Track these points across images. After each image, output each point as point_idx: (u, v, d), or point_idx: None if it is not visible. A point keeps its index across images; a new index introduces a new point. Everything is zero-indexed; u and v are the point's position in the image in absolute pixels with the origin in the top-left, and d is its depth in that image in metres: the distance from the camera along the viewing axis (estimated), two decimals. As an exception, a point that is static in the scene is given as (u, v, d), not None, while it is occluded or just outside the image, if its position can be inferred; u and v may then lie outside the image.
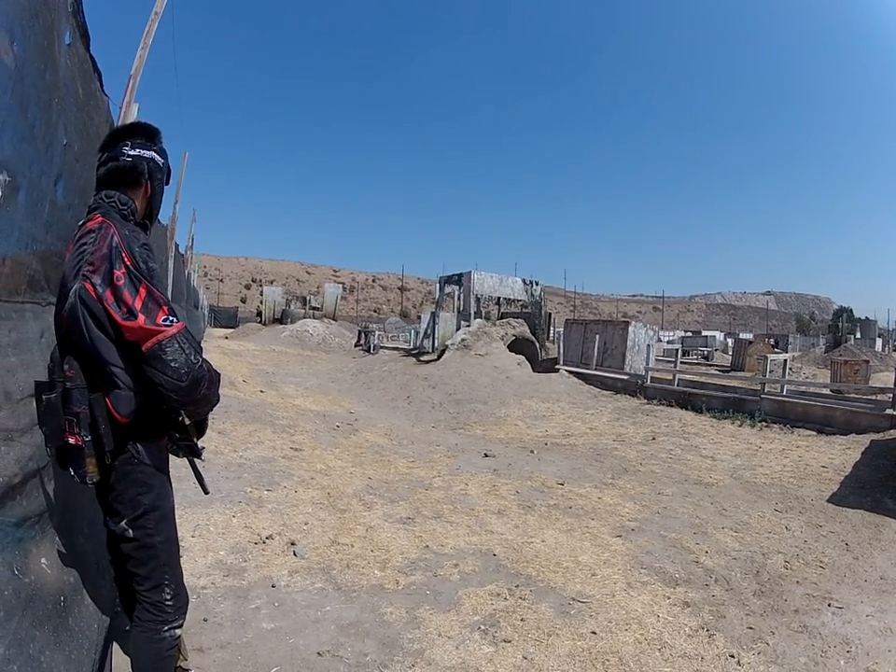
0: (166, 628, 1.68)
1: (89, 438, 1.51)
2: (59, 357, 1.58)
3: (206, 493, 2.02)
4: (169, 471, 1.78)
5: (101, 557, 1.96)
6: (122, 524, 1.63)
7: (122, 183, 1.72)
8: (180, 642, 1.85)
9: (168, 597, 1.68)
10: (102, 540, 1.86)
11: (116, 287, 1.48)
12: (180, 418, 1.70)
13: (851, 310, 50.31)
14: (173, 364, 1.50)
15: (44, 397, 1.51)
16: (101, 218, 1.60)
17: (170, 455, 1.82)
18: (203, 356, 1.65)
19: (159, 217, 2.05)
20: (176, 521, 1.81)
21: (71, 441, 1.52)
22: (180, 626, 1.74)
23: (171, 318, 1.53)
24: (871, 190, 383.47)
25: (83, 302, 1.50)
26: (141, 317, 1.48)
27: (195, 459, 1.87)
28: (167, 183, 1.90)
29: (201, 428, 1.80)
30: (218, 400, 1.75)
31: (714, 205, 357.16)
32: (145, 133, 1.80)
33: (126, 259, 1.51)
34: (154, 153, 1.79)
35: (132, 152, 1.73)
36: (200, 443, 1.84)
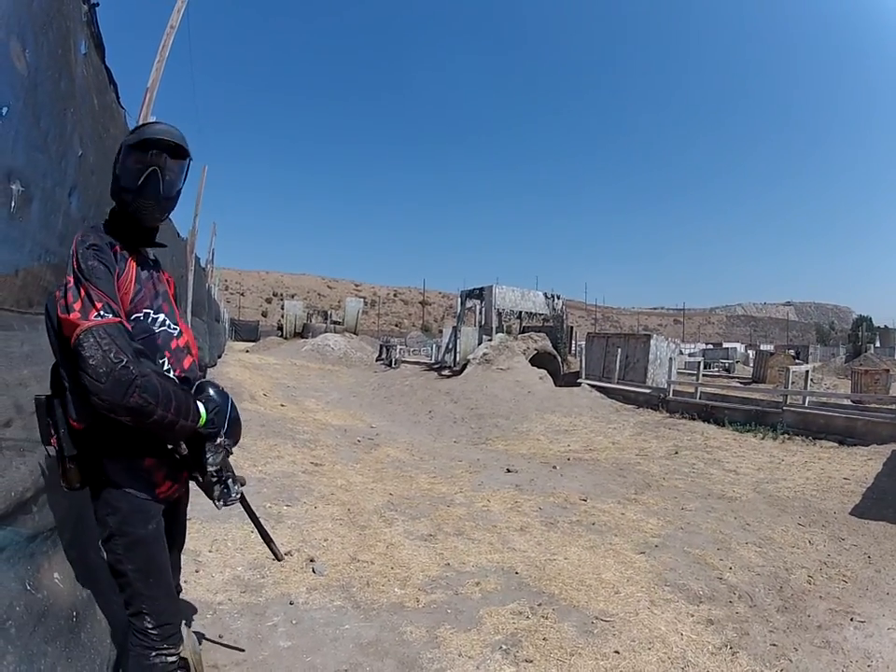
0: (154, 654, 1.58)
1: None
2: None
3: (280, 559, 1.95)
4: (158, 498, 1.63)
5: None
6: (99, 542, 1.60)
7: None
8: (193, 663, 1.78)
9: (149, 626, 1.58)
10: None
11: (66, 291, 1.44)
12: (169, 446, 1.58)
13: (871, 319, 49.38)
14: (90, 361, 1.36)
15: (35, 398, 1.51)
16: None
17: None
18: (142, 364, 1.49)
19: (179, 231, 2.01)
20: (194, 535, 1.74)
21: (51, 446, 1.51)
22: (171, 654, 1.62)
23: (103, 314, 1.41)
24: (889, 196, 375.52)
25: (47, 310, 1.51)
26: (75, 314, 1.39)
27: (259, 517, 1.78)
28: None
29: (199, 460, 1.64)
30: (193, 423, 1.56)
31: (733, 217, 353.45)
32: None
33: (74, 263, 1.47)
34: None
35: None
36: (235, 489, 1.71)
